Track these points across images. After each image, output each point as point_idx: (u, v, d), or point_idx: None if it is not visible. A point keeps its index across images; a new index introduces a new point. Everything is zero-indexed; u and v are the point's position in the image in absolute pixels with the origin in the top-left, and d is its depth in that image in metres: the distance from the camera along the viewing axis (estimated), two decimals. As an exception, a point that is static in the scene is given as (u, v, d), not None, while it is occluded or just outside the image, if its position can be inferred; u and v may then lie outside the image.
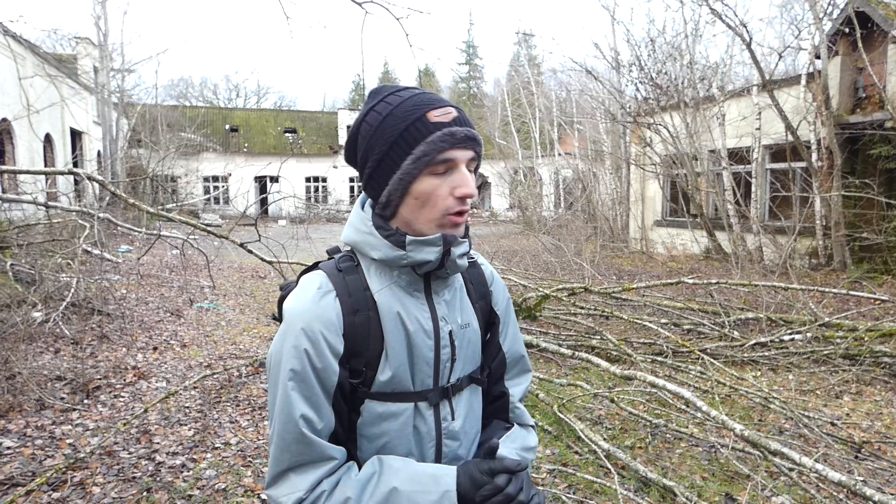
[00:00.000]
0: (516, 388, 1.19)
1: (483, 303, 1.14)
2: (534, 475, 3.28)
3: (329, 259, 1.08)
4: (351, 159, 1.06)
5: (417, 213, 0.98)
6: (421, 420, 1.02)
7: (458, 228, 0.99)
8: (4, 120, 13.39)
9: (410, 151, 0.95)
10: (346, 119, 32.08)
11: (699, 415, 3.46)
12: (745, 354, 5.38)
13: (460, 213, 0.98)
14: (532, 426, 1.21)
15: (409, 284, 1.02)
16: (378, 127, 0.98)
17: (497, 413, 1.18)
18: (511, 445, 1.10)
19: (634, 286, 6.21)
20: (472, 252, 1.17)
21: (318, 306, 0.97)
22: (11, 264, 7.00)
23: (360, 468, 0.98)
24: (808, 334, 5.54)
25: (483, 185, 34.21)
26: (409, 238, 0.97)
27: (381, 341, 0.99)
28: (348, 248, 1.07)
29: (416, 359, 1.01)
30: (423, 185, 0.96)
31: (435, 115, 0.96)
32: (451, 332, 1.04)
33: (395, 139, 0.96)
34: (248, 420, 4.10)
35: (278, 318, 1.07)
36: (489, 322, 1.16)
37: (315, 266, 1.07)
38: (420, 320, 1.01)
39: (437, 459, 1.05)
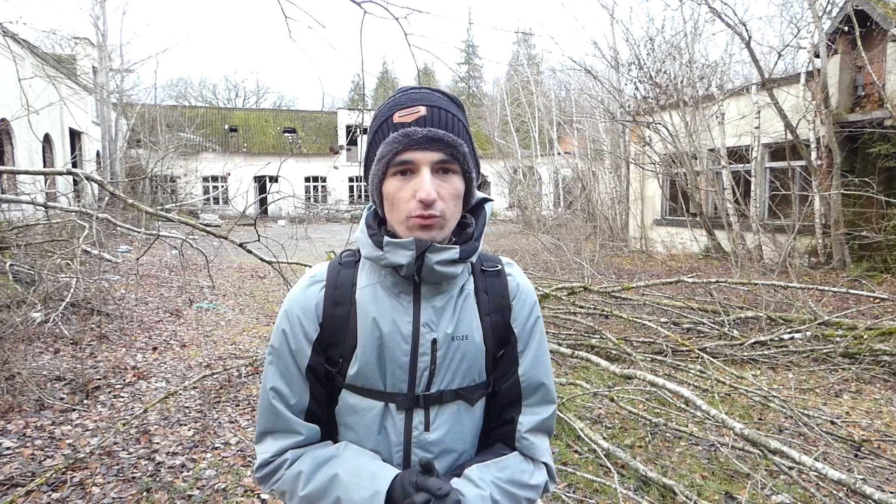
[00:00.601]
0: (529, 416, 1.07)
1: (498, 317, 1.06)
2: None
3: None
4: None
5: (390, 215, 0.99)
6: (390, 422, 1.01)
7: (429, 231, 0.95)
8: (3, 120, 13.38)
9: (375, 152, 0.98)
10: (346, 119, 32.07)
11: (699, 413, 3.46)
12: (745, 353, 5.38)
13: (424, 217, 0.94)
14: (544, 463, 1.08)
15: (395, 286, 1.01)
16: (370, 128, 1.03)
17: (502, 440, 1.09)
18: (494, 474, 1.00)
19: (634, 285, 6.20)
20: (505, 260, 1.13)
21: (304, 294, 1.04)
22: (11, 265, 7.00)
23: None
24: (808, 333, 5.54)
25: (482, 185, 34.20)
26: (385, 239, 0.97)
27: (356, 337, 1.01)
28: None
29: (387, 361, 1.00)
30: (389, 186, 0.97)
31: (399, 116, 0.96)
32: (434, 341, 0.99)
33: (370, 142, 1.01)
34: (247, 420, 4.10)
35: None
36: (503, 339, 1.07)
37: None
38: (397, 323, 0.99)
39: (406, 467, 1.02)
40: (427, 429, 1.01)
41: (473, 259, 1.03)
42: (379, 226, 1.03)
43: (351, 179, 32.51)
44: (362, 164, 1.06)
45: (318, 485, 0.97)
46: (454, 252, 0.97)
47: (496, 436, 1.10)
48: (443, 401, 1.02)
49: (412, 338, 0.99)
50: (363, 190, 32.36)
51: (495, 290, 1.06)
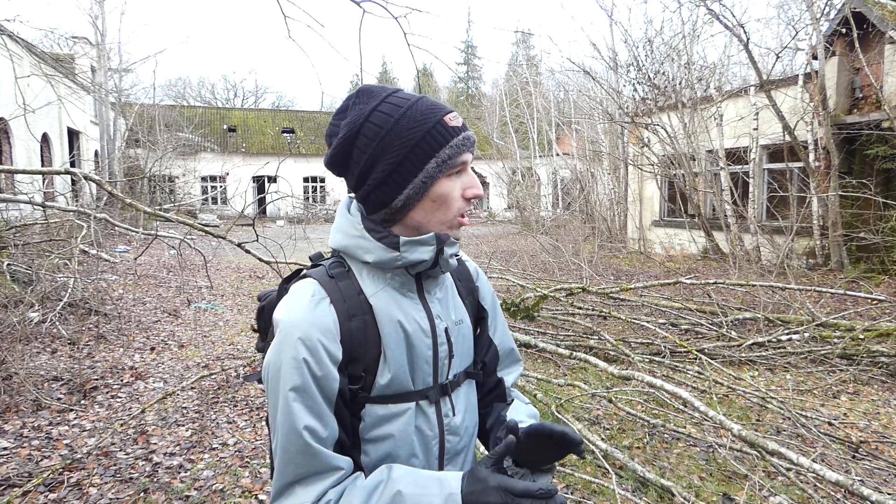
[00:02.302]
0: (510, 375, 1.24)
1: (471, 298, 1.17)
2: (532, 475, 3.27)
3: (314, 266, 1.05)
4: (343, 163, 1.00)
5: (431, 216, 0.99)
6: (423, 418, 1.02)
7: (460, 229, 1.04)
8: (1, 119, 13.36)
9: (434, 154, 0.96)
10: (345, 119, 31.97)
11: (697, 415, 3.46)
12: (743, 354, 5.38)
13: (468, 213, 1.04)
14: (527, 402, 1.25)
15: (403, 286, 1.02)
16: (392, 129, 0.95)
17: (495, 400, 1.22)
18: (522, 413, 1.17)
19: (632, 286, 6.21)
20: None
21: (314, 314, 0.94)
22: (8, 264, 6.98)
23: (367, 476, 0.95)
24: (806, 334, 5.55)
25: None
26: (402, 239, 0.98)
27: (379, 345, 0.98)
28: (333, 254, 1.06)
29: (415, 359, 1.01)
30: (442, 187, 0.98)
31: (451, 120, 1.00)
32: (446, 330, 1.06)
33: (418, 142, 0.95)
34: (245, 420, 4.09)
35: (258, 330, 1.11)
36: (479, 317, 1.19)
37: (297, 274, 1.05)
38: (417, 320, 1.02)
39: (441, 455, 1.06)
40: (454, 413, 1.07)
41: None
42: (387, 229, 1.00)
43: (349, 180, 32.41)
44: (389, 167, 0.96)
45: None
46: (458, 244, 1.06)
47: (490, 399, 1.22)
48: (459, 383, 1.09)
49: (430, 331, 1.03)
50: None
51: (463, 276, 1.18)
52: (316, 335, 0.93)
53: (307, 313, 0.94)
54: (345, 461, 0.94)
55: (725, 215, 12.05)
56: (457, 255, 1.17)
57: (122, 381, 4.86)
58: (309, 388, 0.92)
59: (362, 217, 1.02)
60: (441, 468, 1.06)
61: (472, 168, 1.07)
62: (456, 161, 0.98)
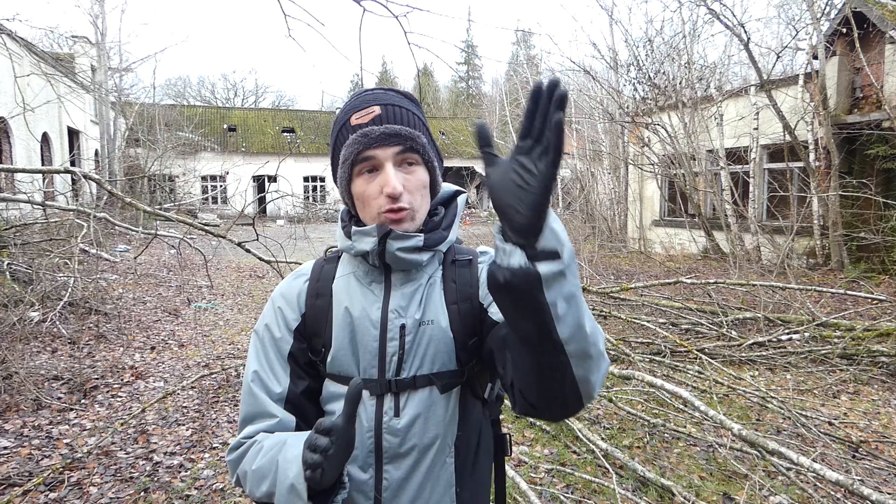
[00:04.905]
0: None
1: (466, 305, 1.05)
2: (531, 474, 3.28)
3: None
4: None
5: (363, 213, 1.04)
6: (363, 408, 1.02)
7: (400, 224, 0.99)
8: (1, 119, 13.36)
9: (338, 156, 1.02)
10: (345, 118, 31.98)
11: (697, 414, 3.46)
12: (743, 354, 5.38)
13: (394, 210, 0.98)
14: None
15: (366, 274, 1.06)
16: (330, 136, 1.08)
17: None
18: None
19: (632, 286, 6.20)
20: (483, 249, 1.13)
21: (288, 286, 1.11)
22: (8, 264, 6.98)
23: None
24: (806, 334, 5.55)
25: (481, 185, 34.19)
26: (353, 229, 1.04)
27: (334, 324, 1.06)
28: None
29: (358, 346, 1.03)
30: (357, 187, 1.02)
31: (355, 118, 1.00)
32: (402, 326, 1.01)
33: (333, 147, 1.06)
34: (245, 420, 4.09)
35: None
36: (475, 327, 1.05)
37: None
38: (366, 309, 1.04)
39: (378, 453, 1.02)
40: (397, 414, 1.01)
41: (443, 248, 1.06)
42: (350, 220, 1.08)
43: (349, 179, 32.39)
44: (330, 169, 1.10)
45: (271, 455, 0.96)
46: (418, 239, 1.00)
47: None
48: (416, 386, 1.02)
49: (381, 323, 1.03)
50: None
51: (463, 279, 1.07)
52: (280, 302, 1.10)
53: (284, 285, 1.12)
54: (283, 413, 1.04)
55: (726, 215, 12.04)
56: (467, 257, 1.09)
57: (122, 380, 4.86)
58: (265, 343, 1.08)
59: (345, 210, 1.11)
60: (379, 466, 1.02)
61: (422, 164, 1.01)
62: (357, 159, 0.99)
